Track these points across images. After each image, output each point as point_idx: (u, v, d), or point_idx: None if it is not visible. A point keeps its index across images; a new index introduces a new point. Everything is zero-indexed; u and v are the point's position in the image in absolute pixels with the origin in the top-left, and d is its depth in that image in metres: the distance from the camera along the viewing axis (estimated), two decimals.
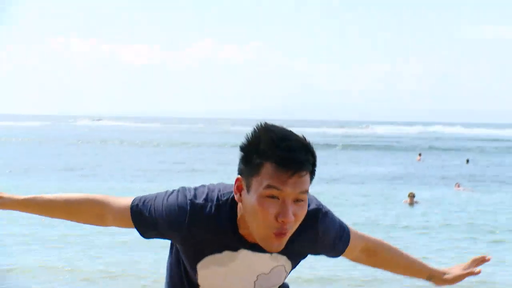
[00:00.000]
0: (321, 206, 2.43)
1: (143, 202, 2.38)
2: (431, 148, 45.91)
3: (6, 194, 2.50)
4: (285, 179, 2.13)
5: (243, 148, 2.23)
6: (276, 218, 2.16)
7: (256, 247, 2.31)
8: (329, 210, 2.47)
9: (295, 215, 2.18)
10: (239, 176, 2.24)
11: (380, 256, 2.65)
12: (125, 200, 2.41)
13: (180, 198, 2.33)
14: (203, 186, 2.39)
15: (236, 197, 2.26)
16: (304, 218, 2.25)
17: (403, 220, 14.95)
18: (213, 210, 2.29)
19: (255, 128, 2.21)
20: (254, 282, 2.43)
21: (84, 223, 2.47)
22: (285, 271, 2.46)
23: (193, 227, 2.29)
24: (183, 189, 2.37)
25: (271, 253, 2.34)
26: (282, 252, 2.35)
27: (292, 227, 2.20)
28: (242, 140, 2.24)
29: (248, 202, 2.20)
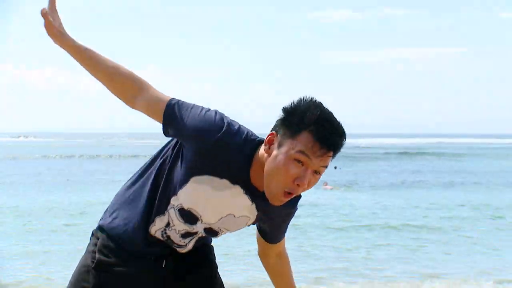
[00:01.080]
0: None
1: (181, 105, 2.40)
2: None
3: (67, 34, 2.43)
4: (317, 153, 2.27)
5: (286, 111, 2.33)
6: (294, 180, 2.29)
7: (251, 191, 2.42)
8: None
9: (309, 183, 2.31)
10: (273, 131, 2.35)
11: (280, 265, 2.78)
12: (163, 95, 2.43)
13: (218, 117, 2.38)
14: (233, 120, 2.44)
15: (264, 148, 2.34)
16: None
17: None
18: (242, 140, 2.37)
19: (304, 98, 2.33)
20: (222, 217, 2.48)
21: (116, 94, 2.44)
22: (246, 223, 2.53)
23: (220, 145, 2.33)
24: (220, 112, 2.42)
25: (253, 202, 2.45)
26: (260, 208, 2.48)
27: (301, 192, 2.35)
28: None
29: (274, 157, 2.30)
